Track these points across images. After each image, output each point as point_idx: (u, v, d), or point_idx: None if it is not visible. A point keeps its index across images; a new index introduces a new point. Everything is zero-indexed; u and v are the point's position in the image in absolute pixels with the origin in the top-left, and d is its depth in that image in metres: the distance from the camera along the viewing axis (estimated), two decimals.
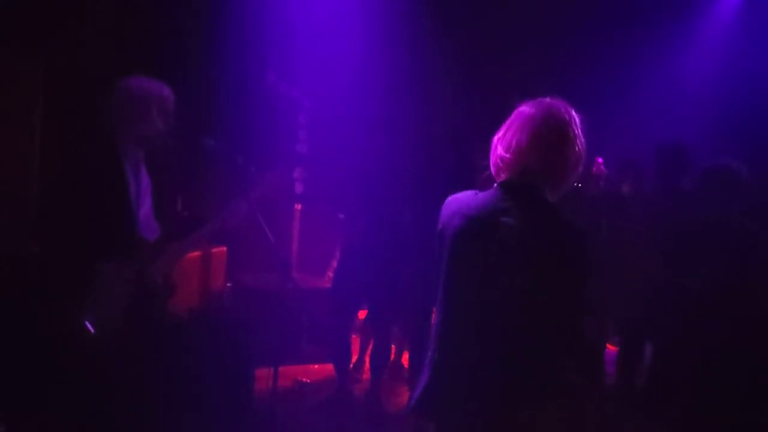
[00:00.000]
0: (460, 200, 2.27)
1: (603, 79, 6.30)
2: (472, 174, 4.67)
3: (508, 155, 2.19)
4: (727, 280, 3.93)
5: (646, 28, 6.66)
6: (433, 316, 2.37)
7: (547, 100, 2.23)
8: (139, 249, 2.99)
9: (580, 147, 2.20)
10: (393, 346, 5.29)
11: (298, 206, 6.49)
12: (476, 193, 2.25)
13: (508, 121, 2.24)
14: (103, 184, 2.91)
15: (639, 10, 6.67)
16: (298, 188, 6.57)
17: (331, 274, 5.88)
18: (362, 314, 5.31)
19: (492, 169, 2.26)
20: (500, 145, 2.23)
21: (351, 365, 5.10)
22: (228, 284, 5.75)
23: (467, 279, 2.18)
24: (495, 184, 2.23)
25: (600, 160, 5.31)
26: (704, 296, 3.96)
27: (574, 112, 2.21)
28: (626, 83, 6.62)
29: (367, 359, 5.29)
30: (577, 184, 2.22)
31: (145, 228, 3.05)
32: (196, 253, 5.30)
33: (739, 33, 6.87)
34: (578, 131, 2.20)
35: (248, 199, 3.29)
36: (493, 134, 2.32)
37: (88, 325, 2.80)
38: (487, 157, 2.29)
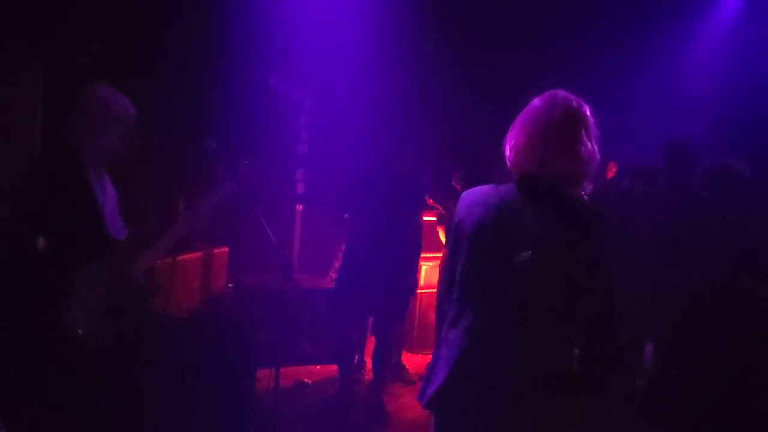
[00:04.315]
0: (479, 192, 2.27)
1: (604, 79, 6.28)
2: (476, 174, 4.69)
3: (521, 147, 2.20)
4: (729, 279, 3.92)
5: (648, 28, 6.66)
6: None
7: (558, 91, 2.24)
8: (112, 249, 2.96)
9: (591, 136, 2.19)
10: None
11: (300, 207, 6.48)
12: (495, 187, 2.25)
13: (520, 115, 2.25)
14: (68, 186, 2.87)
15: (641, 11, 6.67)
16: (300, 189, 6.57)
17: (333, 275, 5.88)
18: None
19: (508, 164, 2.26)
20: (513, 139, 2.24)
21: (352, 366, 5.09)
22: (229, 285, 5.74)
23: (487, 269, 2.17)
24: (513, 179, 2.24)
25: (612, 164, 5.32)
26: (706, 296, 3.95)
27: (584, 104, 2.22)
28: (628, 84, 6.61)
29: (368, 360, 5.28)
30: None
31: (113, 228, 3.01)
32: (198, 254, 5.30)
33: (740, 33, 6.86)
34: (589, 121, 2.20)
35: (219, 191, 3.26)
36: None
37: (75, 327, 2.78)
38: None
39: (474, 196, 2.28)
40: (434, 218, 5.58)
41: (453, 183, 5.20)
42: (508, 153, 2.25)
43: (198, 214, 3.23)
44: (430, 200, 5.33)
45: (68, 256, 2.83)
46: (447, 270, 2.37)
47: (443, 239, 5.62)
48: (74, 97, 3.00)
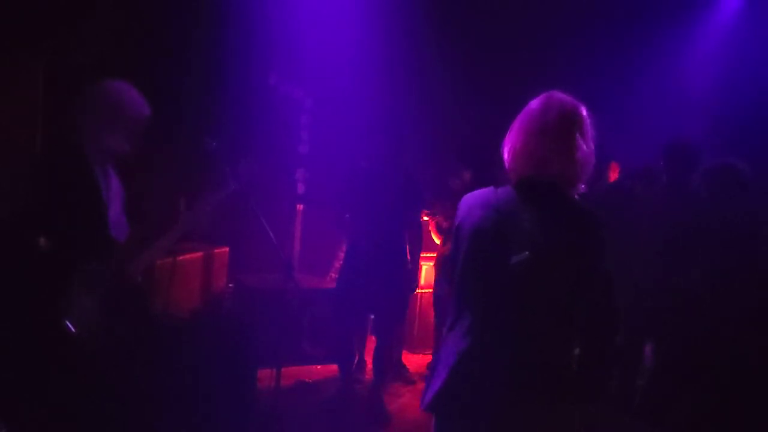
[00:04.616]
0: (479, 196, 2.29)
1: (605, 80, 6.29)
2: (479, 175, 4.69)
3: (518, 150, 2.21)
4: (729, 279, 3.92)
5: (649, 29, 6.65)
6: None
7: (554, 93, 2.24)
8: (112, 249, 2.95)
9: (587, 137, 2.20)
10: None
11: (300, 207, 6.49)
12: (494, 190, 2.26)
13: (517, 118, 2.26)
14: (73, 185, 2.84)
15: (641, 12, 6.66)
16: (300, 189, 6.57)
17: (333, 275, 5.88)
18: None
19: (506, 168, 2.27)
20: (510, 143, 2.25)
21: (353, 365, 5.09)
22: (230, 285, 5.74)
23: (486, 271, 2.18)
24: (512, 181, 2.25)
25: (615, 165, 5.30)
26: (706, 296, 3.96)
27: (580, 105, 2.23)
28: (628, 85, 6.61)
29: (369, 359, 5.28)
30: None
31: (115, 229, 2.98)
32: (199, 254, 5.30)
33: (740, 34, 6.86)
34: (585, 122, 2.21)
35: (220, 191, 3.25)
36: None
37: (69, 325, 2.78)
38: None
39: (473, 199, 2.29)
40: (425, 218, 5.59)
41: (450, 183, 5.22)
42: (506, 157, 2.26)
43: (199, 213, 3.22)
44: (428, 214, 5.39)
45: (69, 253, 2.82)
46: (449, 273, 2.39)
47: (435, 239, 5.65)
48: (79, 94, 2.94)
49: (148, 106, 3.01)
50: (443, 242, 5.48)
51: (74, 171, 2.87)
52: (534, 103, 2.24)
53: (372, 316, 4.96)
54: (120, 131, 2.94)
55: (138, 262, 3.04)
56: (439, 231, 5.60)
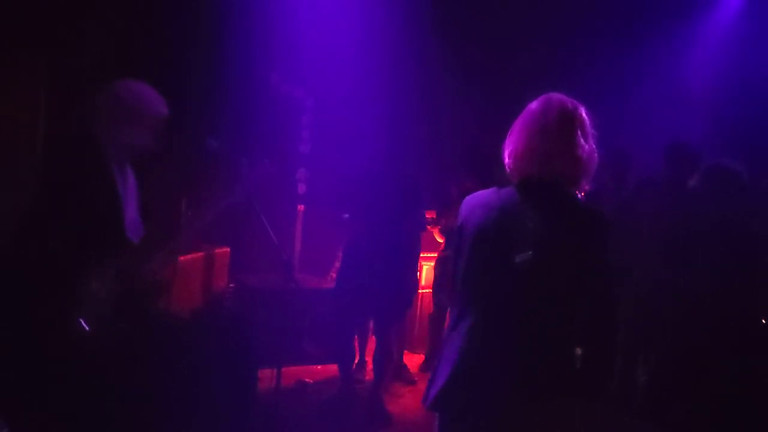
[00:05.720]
0: (481, 196, 2.30)
1: (606, 81, 6.30)
2: (482, 180, 4.70)
3: (520, 150, 2.22)
4: (729, 279, 3.92)
5: (649, 29, 6.66)
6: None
7: (553, 94, 2.26)
8: (127, 250, 2.95)
9: (588, 136, 2.21)
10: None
11: (301, 207, 6.49)
12: (497, 190, 2.28)
13: (517, 119, 2.27)
14: (91, 184, 2.84)
15: (641, 12, 6.67)
16: (301, 189, 6.57)
17: (334, 275, 5.88)
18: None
19: (507, 170, 2.28)
20: (511, 144, 2.26)
21: (353, 366, 5.09)
22: (231, 285, 5.75)
23: (489, 270, 2.19)
24: (513, 182, 2.26)
25: None
26: (706, 296, 3.96)
27: (580, 105, 2.24)
28: (628, 85, 6.62)
29: (369, 360, 5.28)
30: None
31: (131, 230, 2.99)
32: (200, 254, 5.31)
33: (740, 33, 6.87)
34: (585, 121, 2.22)
35: (234, 192, 3.25)
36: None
37: (83, 323, 2.79)
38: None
39: (476, 200, 2.31)
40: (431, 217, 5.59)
41: (450, 188, 5.22)
42: (507, 158, 2.27)
43: (207, 216, 3.22)
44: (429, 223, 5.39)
45: (82, 252, 2.81)
46: (451, 272, 2.40)
47: (438, 239, 5.65)
48: (94, 91, 2.94)
49: (166, 106, 3.02)
50: (446, 243, 5.47)
51: (92, 164, 2.85)
52: (534, 104, 2.26)
53: (372, 316, 4.96)
54: (138, 130, 2.95)
55: (152, 264, 3.05)
56: (442, 231, 5.60)
